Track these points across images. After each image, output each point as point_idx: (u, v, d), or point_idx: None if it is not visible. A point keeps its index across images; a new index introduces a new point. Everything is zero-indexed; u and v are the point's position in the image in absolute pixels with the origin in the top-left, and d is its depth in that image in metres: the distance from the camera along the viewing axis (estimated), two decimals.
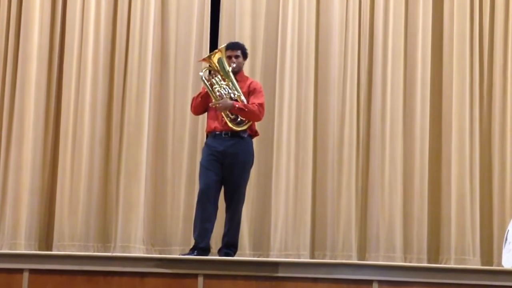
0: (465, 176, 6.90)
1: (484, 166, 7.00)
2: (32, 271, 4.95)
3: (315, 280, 4.89)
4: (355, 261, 6.59)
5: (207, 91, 5.67)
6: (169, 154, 6.97)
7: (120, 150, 6.93)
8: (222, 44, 6.15)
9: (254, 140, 5.84)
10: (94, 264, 4.99)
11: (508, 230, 5.74)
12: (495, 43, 7.08)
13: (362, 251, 6.88)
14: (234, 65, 5.70)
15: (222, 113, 5.60)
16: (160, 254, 6.69)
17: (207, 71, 5.74)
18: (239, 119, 5.62)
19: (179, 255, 6.03)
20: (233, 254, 5.64)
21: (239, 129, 5.62)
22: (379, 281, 4.88)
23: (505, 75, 7.04)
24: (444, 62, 7.10)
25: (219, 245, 5.73)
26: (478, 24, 7.09)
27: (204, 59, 5.87)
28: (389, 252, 6.78)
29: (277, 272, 4.89)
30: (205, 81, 5.66)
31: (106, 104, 6.99)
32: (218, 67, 5.67)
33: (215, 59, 5.68)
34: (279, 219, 6.83)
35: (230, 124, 5.60)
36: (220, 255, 5.59)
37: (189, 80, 7.00)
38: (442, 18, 7.15)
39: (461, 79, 7.00)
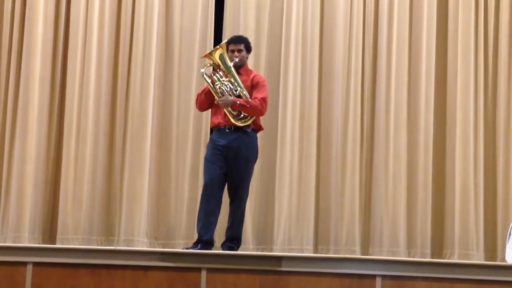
0: (469, 170, 6.86)
1: (489, 159, 6.95)
2: (35, 264, 4.97)
3: (318, 274, 4.90)
4: (358, 255, 6.58)
5: None
6: (173, 147, 6.97)
7: (124, 143, 6.93)
8: (226, 39, 6.14)
9: (258, 134, 5.83)
10: (97, 257, 5.01)
11: None
12: (500, 35, 7.02)
13: (365, 246, 6.85)
14: (237, 59, 5.69)
15: (225, 110, 5.59)
16: (164, 247, 6.69)
17: (209, 67, 5.74)
18: (242, 115, 5.62)
19: (182, 248, 6.03)
20: (236, 248, 5.64)
21: (243, 124, 5.62)
22: (383, 276, 4.88)
23: (510, 67, 6.99)
24: (449, 54, 7.05)
25: (223, 239, 5.74)
26: (483, 16, 7.03)
27: (205, 56, 5.86)
28: (393, 246, 6.75)
29: (280, 266, 4.89)
30: (207, 78, 5.65)
31: (110, 98, 6.99)
32: (220, 63, 5.66)
33: (216, 55, 5.67)
34: (283, 213, 6.82)
35: (233, 120, 5.60)
36: (223, 249, 5.59)
37: (193, 74, 6.99)
38: (447, 10, 7.10)
39: (466, 72, 6.96)
